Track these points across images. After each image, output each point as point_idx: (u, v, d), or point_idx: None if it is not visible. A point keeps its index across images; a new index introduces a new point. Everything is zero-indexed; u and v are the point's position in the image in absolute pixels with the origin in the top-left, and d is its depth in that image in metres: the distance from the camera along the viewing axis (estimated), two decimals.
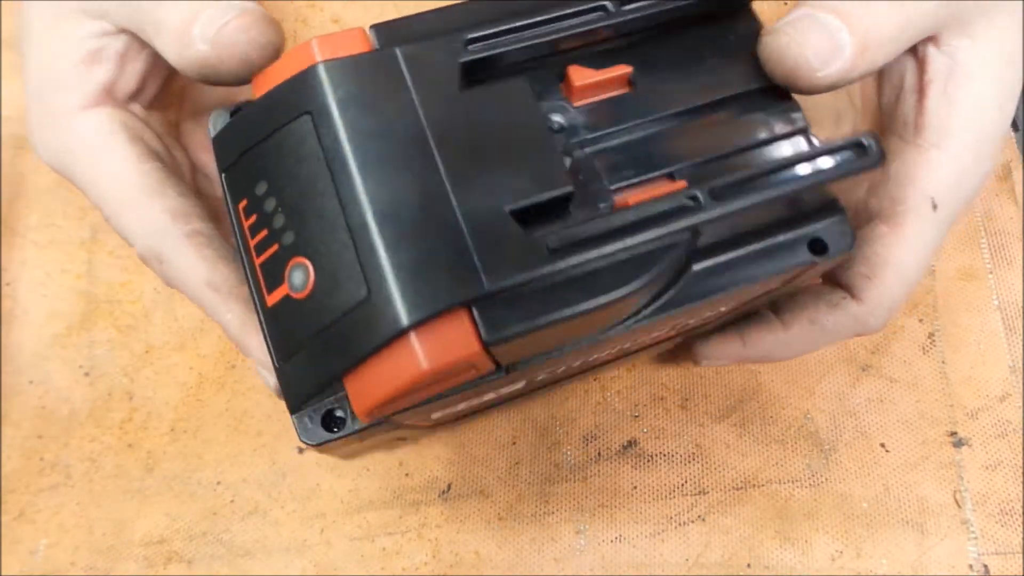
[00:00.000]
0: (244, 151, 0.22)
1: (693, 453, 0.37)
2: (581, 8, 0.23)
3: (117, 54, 0.26)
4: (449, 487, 0.36)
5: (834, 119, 0.30)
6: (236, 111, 0.24)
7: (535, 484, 0.36)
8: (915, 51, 0.26)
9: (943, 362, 0.38)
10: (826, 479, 0.36)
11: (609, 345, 0.24)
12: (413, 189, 0.20)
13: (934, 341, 0.38)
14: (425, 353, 0.19)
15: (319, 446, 0.24)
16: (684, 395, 0.38)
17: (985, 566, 0.34)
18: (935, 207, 0.26)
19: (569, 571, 0.35)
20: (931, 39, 0.25)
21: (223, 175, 0.23)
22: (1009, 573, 0.33)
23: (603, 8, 0.23)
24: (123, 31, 0.26)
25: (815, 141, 0.24)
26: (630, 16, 0.23)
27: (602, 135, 0.22)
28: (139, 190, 0.26)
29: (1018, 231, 0.40)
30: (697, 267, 0.22)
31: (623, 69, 0.23)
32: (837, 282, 0.29)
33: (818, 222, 0.24)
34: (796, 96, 0.24)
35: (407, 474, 0.37)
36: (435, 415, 0.25)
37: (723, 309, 0.26)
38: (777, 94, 0.24)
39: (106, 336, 0.40)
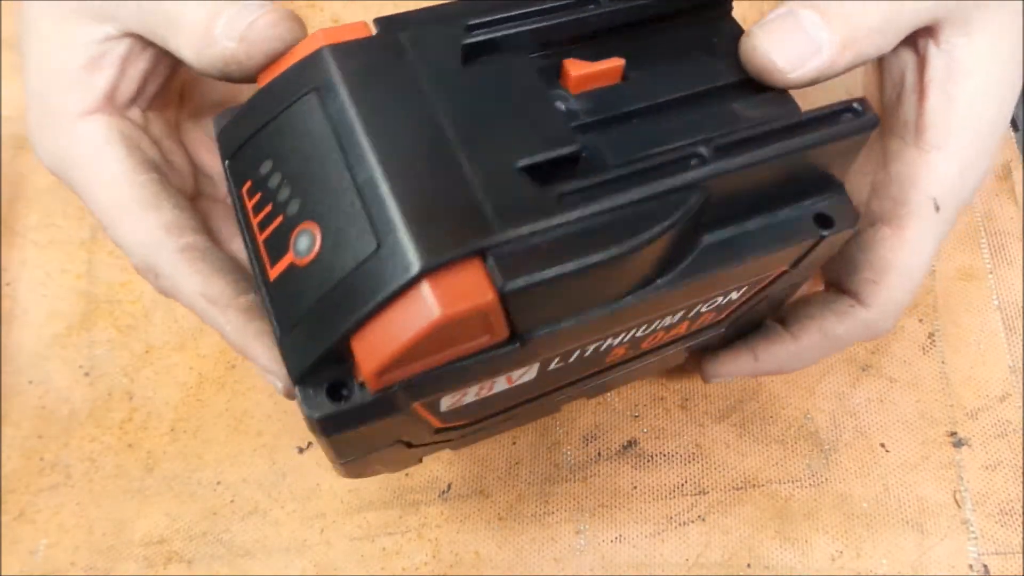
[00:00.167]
0: (248, 138, 0.23)
1: (693, 453, 0.37)
2: (573, 1, 0.24)
3: (119, 58, 0.26)
4: (449, 487, 0.36)
5: None
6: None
7: (535, 484, 0.36)
8: (916, 49, 0.26)
9: (943, 362, 0.38)
10: (826, 479, 0.36)
11: (624, 324, 0.24)
12: (421, 148, 0.20)
13: (934, 341, 0.38)
14: (438, 299, 0.19)
15: (324, 425, 0.22)
16: (684, 395, 0.38)
17: (985, 566, 0.34)
18: (937, 208, 0.26)
19: (569, 571, 0.35)
20: (931, 36, 0.25)
21: (226, 163, 0.23)
22: (1009, 573, 0.33)
23: (595, 1, 0.24)
24: (128, 35, 0.26)
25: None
26: (622, 6, 0.24)
27: (603, 118, 0.22)
28: (134, 203, 0.26)
29: (1018, 231, 0.40)
30: (708, 239, 0.23)
31: (617, 61, 0.23)
32: (842, 289, 0.29)
33: (821, 199, 0.24)
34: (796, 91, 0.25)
35: (407, 474, 0.37)
36: (445, 406, 0.24)
37: (734, 297, 0.26)
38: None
39: (106, 336, 0.40)
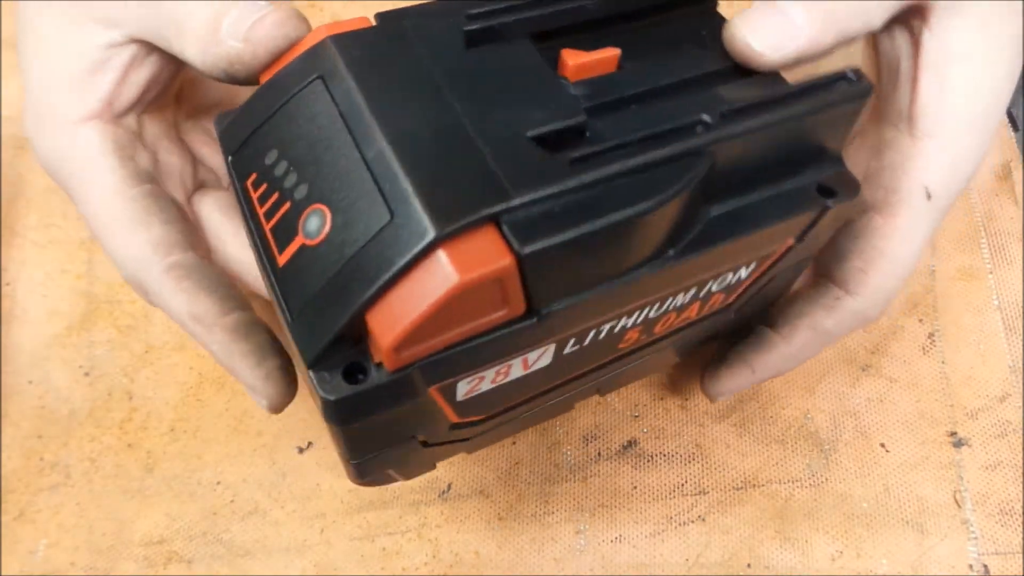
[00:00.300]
0: (252, 131, 0.23)
1: (693, 453, 0.37)
2: None
3: (123, 65, 0.26)
4: (449, 487, 0.36)
5: None
6: None
7: (535, 484, 0.36)
8: (911, 34, 0.26)
9: (943, 362, 0.38)
10: (826, 479, 0.36)
11: (638, 299, 0.24)
12: (430, 123, 0.20)
13: (934, 341, 0.38)
14: (456, 265, 0.18)
15: (340, 409, 0.21)
16: (684, 395, 0.38)
17: (985, 566, 0.34)
18: (929, 196, 0.26)
19: (569, 571, 0.35)
20: (923, 20, 0.25)
21: (229, 159, 0.23)
22: (1009, 573, 0.33)
23: None
24: (133, 40, 0.25)
25: None
26: None
27: (604, 102, 0.23)
28: (124, 218, 0.26)
29: (1018, 231, 0.40)
30: (716, 210, 0.23)
31: (612, 51, 0.24)
32: (832, 279, 0.29)
33: (821, 171, 0.25)
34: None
35: None
36: (462, 393, 0.23)
37: (743, 275, 0.26)
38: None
39: (106, 336, 0.40)
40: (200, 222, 0.29)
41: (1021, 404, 0.36)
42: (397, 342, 0.19)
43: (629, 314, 0.25)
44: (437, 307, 0.19)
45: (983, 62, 0.25)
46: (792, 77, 0.24)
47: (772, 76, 0.24)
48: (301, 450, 0.38)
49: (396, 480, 0.29)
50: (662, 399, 0.38)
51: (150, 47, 0.26)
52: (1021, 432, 0.36)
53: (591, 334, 0.24)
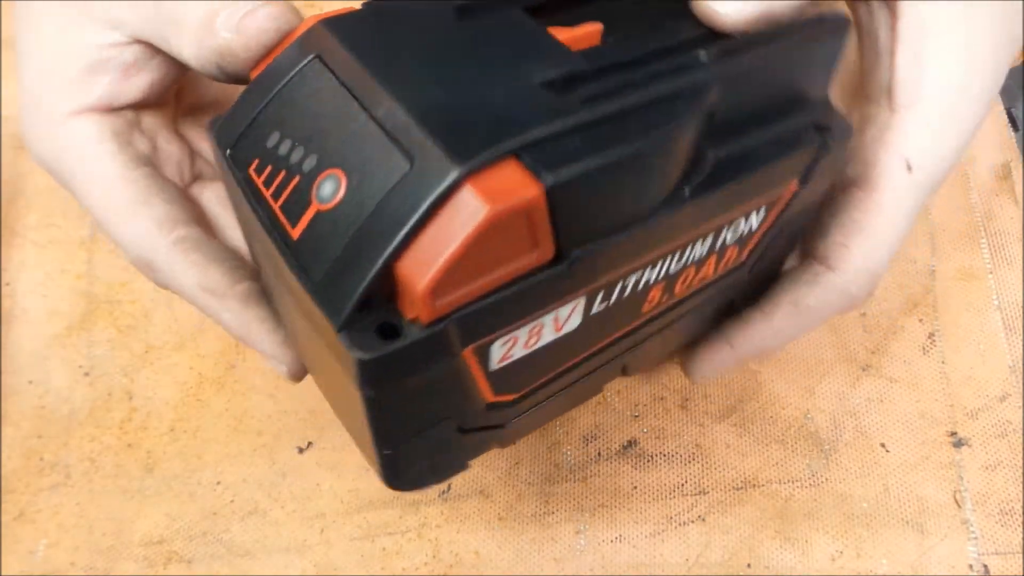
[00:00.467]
0: (250, 122, 0.22)
1: (693, 453, 0.37)
2: None
3: (123, 65, 0.26)
4: (449, 487, 0.36)
5: None
6: None
7: (535, 484, 0.36)
8: (891, 7, 0.26)
9: (943, 362, 0.38)
10: (826, 479, 0.36)
11: (659, 244, 0.24)
12: (437, 79, 0.20)
13: (934, 341, 0.38)
14: (485, 198, 0.18)
15: (375, 370, 0.20)
16: (684, 395, 0.38)
17: (985, 566, 0.34)
18: (910, 168, 0.26)
19: (569, 571, 0.35)
20: None
21: (228, 153, 0.23)
22: (1009, 573, 0.33)
23: None
24: (136, 41, 0.25)
25: None
26: None
27: (601, 65, 0.23)
28: (125, 200, 0.26)
29: (1018, 231, 0.40)
30: (721, 152, 0.23)
31: (596, 25, 0.24)
32: (815, 256, 0.29)
33: (813, 113, 0.25)
34: None
35: None
36: (495, 358, 0.23)
37: (754, 225, 0.26)
38: None
39: (106, 336, 0.40)
40: (202, 208, 0.29)
41: (1021, 404, 0.36)
42: (432, 285, 0.18)
43: (652, 264, 0.25)
44: (470, 243, 0.18)
45: (962, 34, 0.25)
46: None
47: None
48: (301, 450, 0.38)
49: (428, 483, 0.28)
50: (662, 399, 0.38)
51: (154, 50, 0.26)
52: (1021, 432, 0.36)
53: (617, 289, 0.24)
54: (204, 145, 0.30)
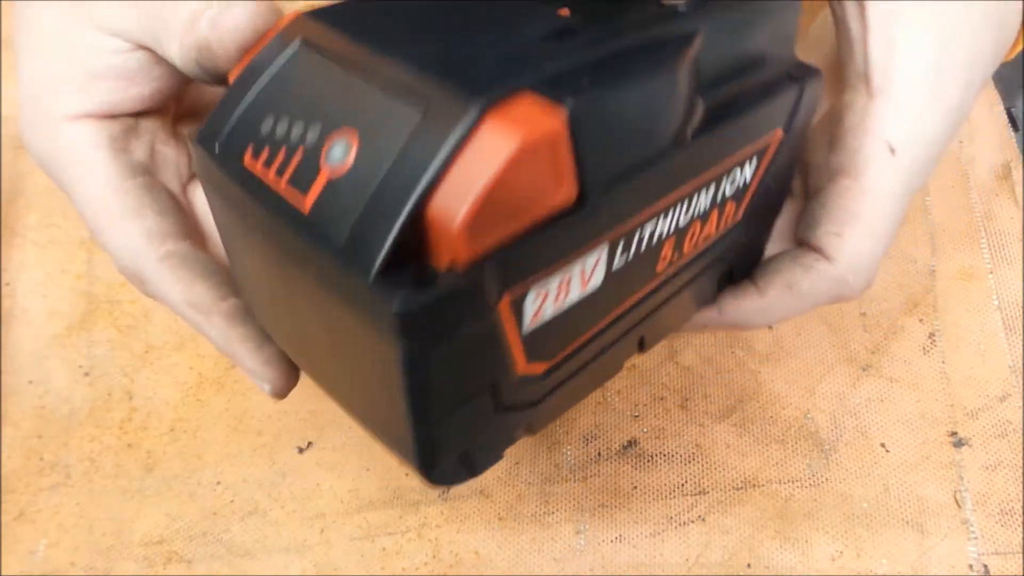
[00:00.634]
0: (239, 116, 0.22)
1: (693, 453, 0.37)
2: None
3: (126, 73, 0.26)
4: (449, 487, 0.36)
5: None
6: None
7: (535, 484, 0.36)
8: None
9: (943, 362, 0.38)
10: (826, 479, 0.36)
11: (669, 188, 0.24)
12: (436, 40, 0.21)
13: (934, 341, 0.38)
14: (511, 128, 0.18)
15: (413, 323, 0.19)
16: (684, 395, 0.38)
17: (985, 566, 0.34)
18: (893, 151, 0.26)
19: (569, 571, 0.35)
20: None
21: (217, 145, 0.23)
22: (1009, 573, 0.33)
23: None
24: (139, 48, 0.25)
25: None
26: None
27: (588, 23, 0.23)
28: (118, 210, 0.26)
29: (1018, 231, 0.40)
30: (712, 99, 0.24)
31: (564, 10, 0.24)
32: (809, 246, 0.29)
33: (784, 66, 0.27)
34: None
35: (407, 474, 0.37)
36: (528, 316, 0.23)
37: (747, 177, 0.27)
38: None
39: (106, 336, 0.40)
40: (195, 211, 0.29)
41: (1021, 404, 0.36)
42: (469, 220, 0.18)
43: (664, 214, 0.25)
44: (502, 175, 0.18)
45: (931, 15, 0.26)
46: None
47: None
48: (301, 450, 0.38)
49: (462, 477, 0.26)
50: (662, 399, 0.38)
51: (157, 58, 0.26)
52: (1021, 432, 0.36)
53: (635, 241, 0.25)
54: None
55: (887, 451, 0.36)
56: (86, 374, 0.40)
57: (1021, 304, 0.38)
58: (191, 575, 0.35)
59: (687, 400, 0.38)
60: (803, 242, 0.29)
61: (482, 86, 0.18)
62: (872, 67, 0.26)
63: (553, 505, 0.36)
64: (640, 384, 0.38)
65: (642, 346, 0.31)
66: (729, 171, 0.27)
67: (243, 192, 0.22)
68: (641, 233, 0.25)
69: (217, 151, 0.23)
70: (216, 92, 0.31)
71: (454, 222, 0.18)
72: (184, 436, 0.38)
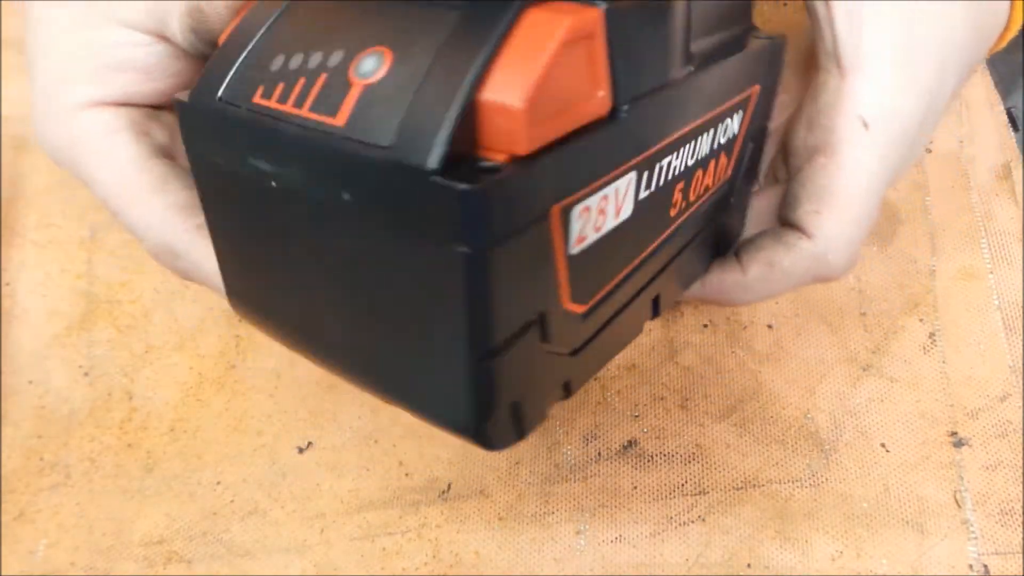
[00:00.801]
0: (237, 64, 0.22)
1: (693, 453, 0.37)
2: None
3: (146, 67, 0.26)
4: (449, 487, 0.36)
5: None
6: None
7: (535, 484, 0.36)
8: None
9: (943, 362, 0.38)
10: (826, 479, 0.36)
11: (683, 116, 0.25)
12: None
13: (934, 341, 0.38)
14: (559, 15, 0.18)
15: (480, 204, 0.18)
16: (684, 395, 0.38)
17: (985, 566, 0.34)
18: (866, 126, 0.27)
19: (569, 571, 0.35)
20: None
21: (219, 96, 0.22)
22: (1009, 573, 0.33)
23: None
24: (158, 41, 0.25)
25: None
26: None
27: None
28: (143, 188, 0.26)
29: (1018, 231, 0.40)
30: (701, 46, 0.25)
31: None
32: (790, 225, 0.29)
33: (747, 28, 0.28)
34: None
35: (407, 474, 0.37)
36: (575, 235, 0.22)
37: (735, 129, 0.28)
38: None
39: (106, 336, 0.40)
40: None
41: (1021, 404, 0.36)
42: (530, 103, 0.18)
43: (677, 151, 0.26)
44: (555, 59, 0.18)
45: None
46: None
47: None
48: (301, 450, 0.38)
49: (510, 437, 0.24)
50: (662, 399, 0.38)
51: (180, 52, 0.26)
52: (1021, 432, 0.36)
53: (655, 174, 0.25)
54: None
55: (887, 451, 0.36)
56: (86, 374, 0.40)
57: (1021, 304, 0.38)
58: (191, 575, 0.35)
59: (687, 400, 0.38)
60: (785, 222, 0.30)
61: None
62: (841, 46, 0.27)
63: (553, 505, 0.36)
64: (640, 384, 0.38)
65: (656, 308, 0.32)
66: (722, 118, 0.27)
67: (259, 132, 0.21)
68: (660, 165, 0.25)
69: (221, 99, 0.22)
70: None
71: (516, 105, 0.18)
72: (184, 436, 0.38)
